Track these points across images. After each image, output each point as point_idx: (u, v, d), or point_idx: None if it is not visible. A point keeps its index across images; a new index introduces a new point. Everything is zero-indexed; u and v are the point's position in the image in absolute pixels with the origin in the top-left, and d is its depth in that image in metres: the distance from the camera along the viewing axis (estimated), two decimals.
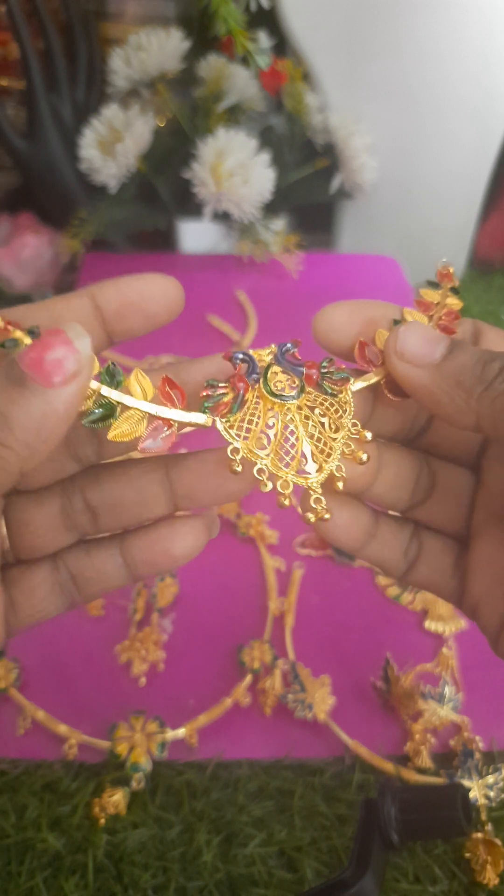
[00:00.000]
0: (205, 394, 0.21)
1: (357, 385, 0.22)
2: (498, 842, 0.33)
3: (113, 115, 0.62)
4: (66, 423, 0.18)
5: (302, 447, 0.21)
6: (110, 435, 0.20)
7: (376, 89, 0.66)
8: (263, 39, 0.59)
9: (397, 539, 0.24)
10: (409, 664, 0.40)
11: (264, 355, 0.22)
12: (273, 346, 0.22)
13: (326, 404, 0.21)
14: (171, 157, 0.64)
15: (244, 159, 0.60)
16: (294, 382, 0.21)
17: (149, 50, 0.61)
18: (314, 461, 0.21)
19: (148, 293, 0.22)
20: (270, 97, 0.70)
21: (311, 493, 0.21)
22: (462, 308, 0.23)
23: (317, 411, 0.21)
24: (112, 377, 0.20)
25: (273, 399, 0.21)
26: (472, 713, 0.38)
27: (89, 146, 0.61)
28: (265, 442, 0.21)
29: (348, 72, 0.65)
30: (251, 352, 0.21)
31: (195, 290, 0.66)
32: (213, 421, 0.21)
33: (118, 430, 0.20)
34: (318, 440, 0.21)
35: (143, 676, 0.39)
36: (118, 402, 0.20)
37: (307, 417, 0.21)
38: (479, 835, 0.33)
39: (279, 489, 0.21)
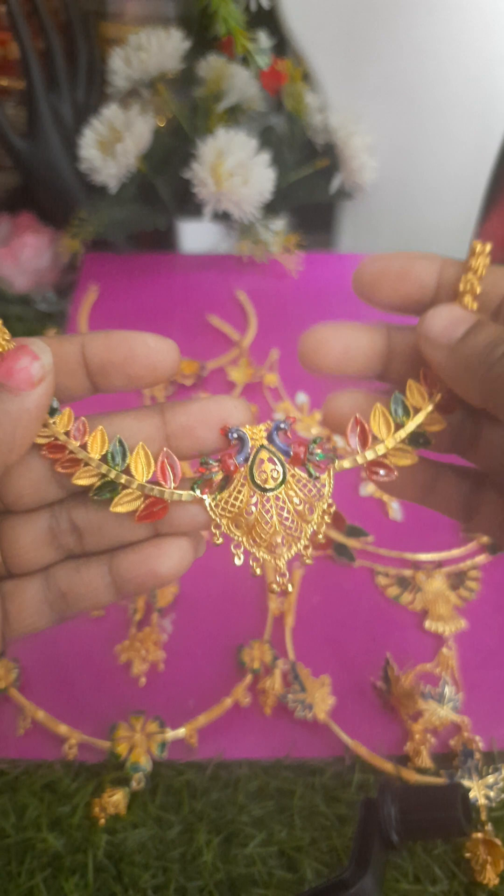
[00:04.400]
0: (199, 473, 0.23)
1: (343, 465, 0.24)
2: (498, 842, 0.33)
3: (113, 115, 0.62)
4: (37, 420, 0.21)
5: (275, 530, 0.24)
6: (112, 509, 0.23)
7: (376, 89, 0.66)
8: (263, 39, 0.59)
9: (457, 490, 0.26)
10: (409, 664, 0.40)
11: (259, 433, 0.24)
12: (269, 422, 0.24)
13: (309, 486, 0.24)
14: (171, 157, 0.63)
15: (244, 159, 0.60)
16: (277, 473, 0.24)
17: (149, 50, 0.61)
18: (284, 544, 0.24)
19: (137, 353, 0.23)
20: (270, 97, 0.70)
21: (278, 567, 0.24)
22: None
23: (295, 499, 0.24)
24: (115, 458, 0.23)
25: (254, 488, 0.23)
26: (472, 713, 0.38)
27: (89, 146, 0.61)
28: (244, 521, 0.24)
29: (348, 72, 0.65)
30: (246, 429, 0.24)
31: (195, 290, 0.66)
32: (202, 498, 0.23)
33: (119, 507, 0.23)
34: (290, 526, 0.24)
35: (143, 676, 0.39)
36: (120, 483, 0.23)
37: (283, 505, 0.24)
38: (479, 835, 0.33)
39: (251, 563, 0.24)
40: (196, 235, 0.69)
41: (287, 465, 0.24)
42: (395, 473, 0.24)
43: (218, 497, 0.23)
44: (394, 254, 0.24)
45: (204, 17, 0.56)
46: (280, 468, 0.24)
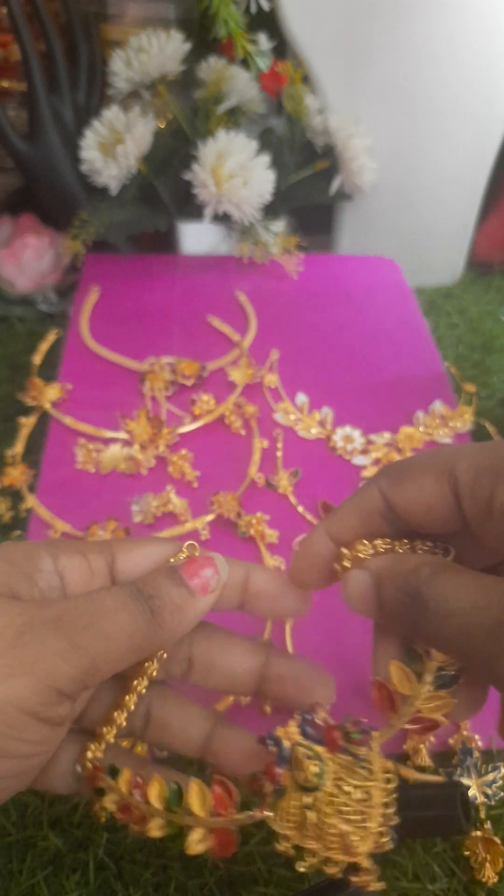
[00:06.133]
0: (254, 788, 0.23)
1: (385, 736, 0.23)
2: (497, 840, 0.33)
3: (114, 117, 0.62)
4: (195, 621, 0.25)
5: (339, 828, 0.22)
6: (189, 851, 0.22)
7: (376, 91, 0.66)
8: (263, 41, 0.59)
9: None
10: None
11: (292, 731, 0.23)
12: (297, 716, 0.23)
13: (356, 769, 0.22)
14: (171, 158, 0.64)
15: (244, 161, 0.60)
16: (316, 767, 0.22)
17: (149, 52, 0.61)
18: (353, 837, 0.22)
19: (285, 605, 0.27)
20: (270, 99, 0.70)
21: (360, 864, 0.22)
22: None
23: (346, 787, 0.22)
24: (176, 797, 0.23)
25: (301, 792, 0.22)
26: None
27: (90, 148, 0.62)
28: (307, 830, 0.22)
29: (348, 74, 0.65)
30: (279, 733, 0.23)
31: (195, 291, 0.67)
32: (263, 811, 0.22)
33: (192, 845, 0.23)
34: (353, 817, 0.22)
35: None
36: (185, 825, 0.23)
37: (332, 799, 0.22)
38: (478, 833, 0.34)
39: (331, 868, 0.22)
40: (196, 237, 0.70)
41: (326, 757, 0.22)
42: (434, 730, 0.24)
43: (277, 811, 0.22)
44: (298, 548, 0.27)
45: (204, 20, 0.56)
46: (319, 761, 0.22)
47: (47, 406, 0.54)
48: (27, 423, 0.53)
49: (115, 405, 0.54)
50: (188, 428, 0.53)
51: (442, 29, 0.62)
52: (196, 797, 0.23)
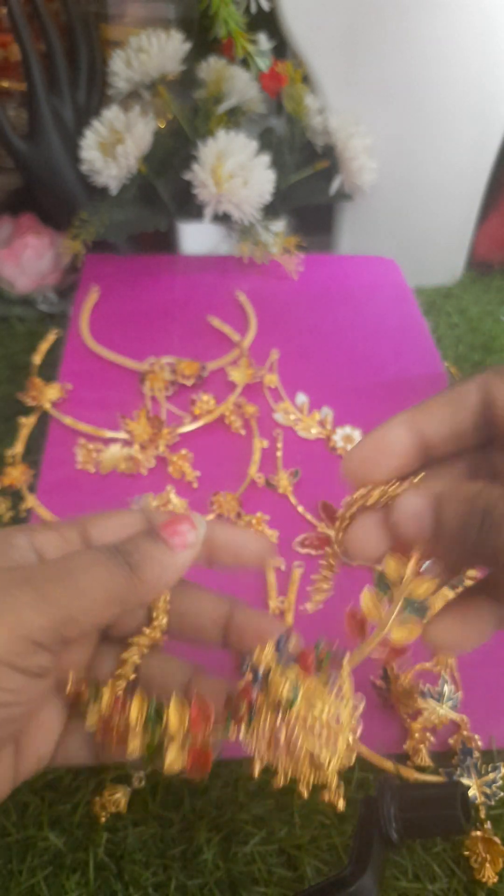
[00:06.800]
0: (230, 709, 0.24)
1: (355, 660, 0.25)
2: (497, 840, 0.33)
3: (114, 117, 0.62)
4: (176, 577, 0.25)
5: (306, 747, 0.23)
6: (165, 771, 0.24)
7: (376, 91, 0.66)
8: (263, 41, 0.59)
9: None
10: (408, 663, 0.40)
11: (267, 655, 0.25)
12: (272, 642, 0.25)
13: (327, 690, 0.24)
14: (171, 158, 0.64)
15: (244, 161, 0.60)
16: (289, 688, 0.24)
17: (149, 52, 0.61)
18: (322, 756, 0.23)
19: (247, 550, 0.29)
20: (270, 99, 0.70)
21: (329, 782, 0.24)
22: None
23: (315, 710, 0.23)
24: (156, 713, 0.24)
25: (275, 710, 0.24)
26: (471, 712, 0.38)
27: (90, 148, 0.62)
28: (277, 745, 0.23)
29: (348, 74, 0.65)
30: (255, 657, 0.25)
31: (195, 291, 0.67)
32: (238, 732, 0.24)
33: (168, 762, 0.24)
34: (320, 735, 0.23)
35: None
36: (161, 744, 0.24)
37: (303, 718, 0.23)
38: (478, 833, 0.33)
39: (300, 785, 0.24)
40: (196, 237, 0.70)
41: (300, 677, 0.24)
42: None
43: (251, 728, 0.24)
44: (367, 436, 0.26)
45: (204, 20, 0.56)
46: (292, 681, 0.24)
47: (47, 406, 0.54)
48: (27, 423, 0.53)
49: (115, 405, 0.54)
50: (188, 428, 0.53)
51: (442, 29, 0.62)
52: (175, 713, 0.24)
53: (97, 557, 0.24)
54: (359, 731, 0.24)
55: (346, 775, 0.36)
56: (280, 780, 0.24)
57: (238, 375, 0.57)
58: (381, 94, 0.66)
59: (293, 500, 0.49)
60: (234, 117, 0.65)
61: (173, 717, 0.24)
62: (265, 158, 0.62)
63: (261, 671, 0.24)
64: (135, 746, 0.24)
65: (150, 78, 0.63)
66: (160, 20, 0.71)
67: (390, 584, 0.25)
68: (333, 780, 0.24)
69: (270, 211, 0.65)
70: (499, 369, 0.25)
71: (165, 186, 0.65)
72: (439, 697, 0.38)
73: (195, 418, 0.54)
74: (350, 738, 0.24)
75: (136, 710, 0.24)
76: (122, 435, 0.52)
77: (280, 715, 0.23)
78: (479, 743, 0.37)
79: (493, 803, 0.35)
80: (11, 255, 0.65)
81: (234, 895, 0.32)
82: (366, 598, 0.26)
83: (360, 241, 0.75)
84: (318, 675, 0.24)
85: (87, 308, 0.64)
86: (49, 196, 0.67)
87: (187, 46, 0.63)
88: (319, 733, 0.23)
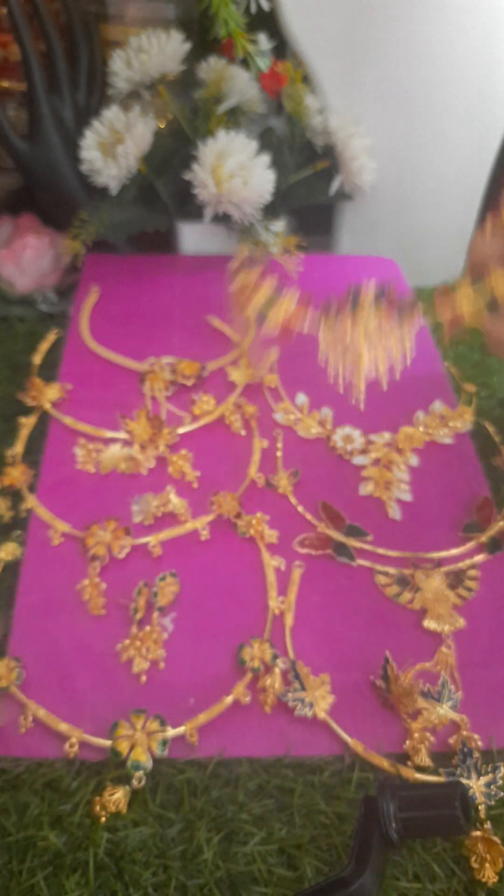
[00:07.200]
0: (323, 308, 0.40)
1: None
2: (497, 840, 0.33)
3: (114, 117, 0.62)
4: None
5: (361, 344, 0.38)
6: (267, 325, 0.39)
7: (376, 91, 0.66)
8: (263, 41, 0.59)
9: None
10: (409, 663, 0.40)
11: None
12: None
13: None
14: (171, 158, 0.64)
15: (244, 161, 0.60)
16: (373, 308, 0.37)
17: (149, 52, 0.61)
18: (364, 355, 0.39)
19: None
20: (270, 99, 0.70)
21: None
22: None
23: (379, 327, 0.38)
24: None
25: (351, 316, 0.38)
26: (471, 712, 0.38)
27: (90, 148, 0.62)
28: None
29: (348, 74, 0.65)
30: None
31: (195, 291, 0.67)
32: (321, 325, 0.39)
33: (271, 322, 0.41)
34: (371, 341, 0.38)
35: (144, 675, 0.39)
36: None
37: (366, 329, 0.38)
38: (478, 833, 0.34)
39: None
40: (196, 237, 0.70)
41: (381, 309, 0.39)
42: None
43: (327, 328, 0.40)
44: None
45: (204, 20, 0.56)
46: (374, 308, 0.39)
47: (47, 406, 0.54)
48: (27, 423, 0.53)
49: (115, 405, 0.54)
50: (188, 428, 0.53)
51: (442, 29, 0.62)
52: (290, 301, 0.40)
53: None
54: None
55: (346, 775, 0.36)
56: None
57: (238, 375, 0.57)
58: (381, 94, 0.66)
59: (293, 499, 0.49)
60: (234, 117, 0.65)
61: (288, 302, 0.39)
62: (265, 158, 0.62)
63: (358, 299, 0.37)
64: (258, 302, 0.39)
65: (150, 78, 0.63)
66: (160, 20, 0.71)
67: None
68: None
69: (270, 211, 0.65)
70: None
71: (165, 186, 0.65)
72: (439, 697, 0.38)
73: (195, 418, 0.54)
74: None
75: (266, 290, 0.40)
76: (122, 435, 0.52)
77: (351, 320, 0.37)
78: (479, 743, 0.37)
79: (493, 803, 0.35)
80: (11, 255, 0.65)
81: (234, 895, 0.32)
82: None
83: (360, 241, 0.75)
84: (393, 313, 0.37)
85: (87, 308, 0.64)
86: (49, 196, 0.67)
87: (187, 46, 0.63)
88: (371, 341, 0.36)
